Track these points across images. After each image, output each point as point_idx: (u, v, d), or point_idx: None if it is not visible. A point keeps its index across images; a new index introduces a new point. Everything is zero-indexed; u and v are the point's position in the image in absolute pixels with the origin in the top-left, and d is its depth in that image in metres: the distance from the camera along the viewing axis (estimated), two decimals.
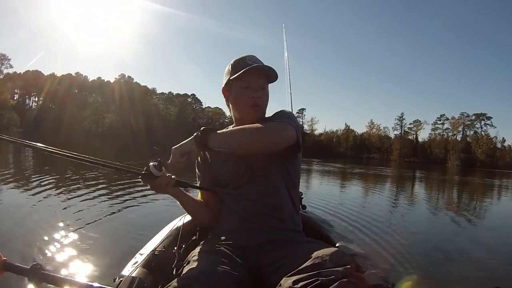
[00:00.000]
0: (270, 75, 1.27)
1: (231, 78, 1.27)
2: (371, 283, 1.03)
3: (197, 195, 1.43)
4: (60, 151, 1.15)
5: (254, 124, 1.14)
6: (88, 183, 7.75)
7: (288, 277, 0.94)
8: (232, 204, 1.27)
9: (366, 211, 5.51)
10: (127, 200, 5.83)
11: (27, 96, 58.55)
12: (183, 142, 1.15)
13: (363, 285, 0.94)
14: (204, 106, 64.57)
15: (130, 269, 1.15)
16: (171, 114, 61.08)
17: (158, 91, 65.21)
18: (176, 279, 0.95)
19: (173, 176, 1.17)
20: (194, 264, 1.05)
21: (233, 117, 1.36)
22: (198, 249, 1.19)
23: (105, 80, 62.29)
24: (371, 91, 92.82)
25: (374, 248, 3.20)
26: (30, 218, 4.33)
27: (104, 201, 5.66)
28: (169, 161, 1.15)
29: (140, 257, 1.26)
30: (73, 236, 3.51)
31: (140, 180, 1.15)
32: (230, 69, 1.29)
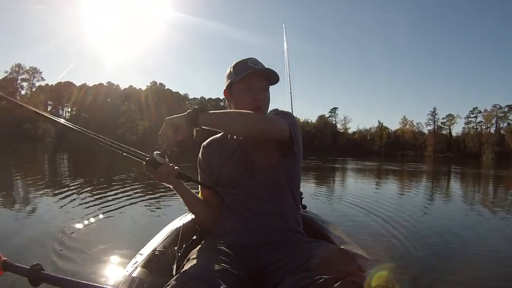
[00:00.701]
0: (272, 77, 1.29)
1: (233, 80, 1.28)
2: (372, 282, 1.03)
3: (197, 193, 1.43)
4: (75, 126, 1.21)
5: (247, 110, 1.16)
6: (87, 184, 7.75)
7: (291, 275, 0.94)
8: (233, 203, 1.27)
9: (390, 209, 5.50)
10: (127, 200, 5.82)
11: (60, 107, 59.63)
12: (176, 115, 1.15)
13: (365, 285, 0.94)
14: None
15: (130, 269, 1.15)
16: None
17: (190, 97, 66.20)
18: (175, 277, 0.95)
19: (176, 167, 1.18)
20: (193, 262, 1.05)
21: None
22: (198, 248, 1.19)
23: (137, 88, 63.27)
24: (403, 86, 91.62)
25: (374, 248, 3.20)
26: (30, 218, 4.33)
27: (104, 202, 5.66)
28: (160, 130, 1.14)
29: (140, 257, 1.26)
30: (73, 236, 3.51)
31: (144, 169, 1.16)
32: (231, 71, 1.30)
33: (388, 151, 57.74)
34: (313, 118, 67.23)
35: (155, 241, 1.45)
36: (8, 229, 3.83)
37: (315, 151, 42.22)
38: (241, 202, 1.25)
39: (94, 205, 5.33)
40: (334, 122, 66.07)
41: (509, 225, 5.02)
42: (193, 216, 1.61)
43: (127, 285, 1.05)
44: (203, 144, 1.40)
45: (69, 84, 59.32)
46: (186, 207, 1.34)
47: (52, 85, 59.23)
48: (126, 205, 5.39)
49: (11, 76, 53.82)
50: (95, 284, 0.90)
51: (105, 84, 62.19)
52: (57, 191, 6.95)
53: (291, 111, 2.68)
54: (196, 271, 0.97)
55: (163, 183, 1.21)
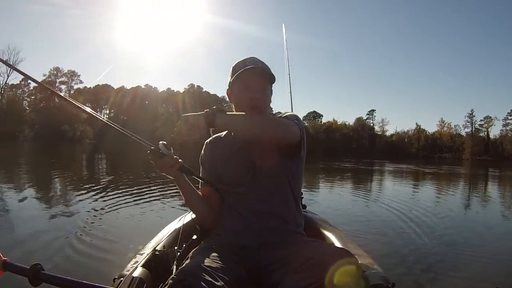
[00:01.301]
0: (270, 76, 1.29)
1: (230, 80, 1.29)
2: (372, 282, 1.03)
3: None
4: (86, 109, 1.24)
5: (264, 115, 1.18)
6: (87, 185, 7.73)
7: (291, 275, 0.94)
8: (234, 202, 1.26)
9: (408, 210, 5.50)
10: (127, 200, 5.82)
11: (98, 109, 59.65)
12: (194, 113, 1.15)
13: (365, 284, 0.94)
14: (274, 112, 63.55)
15: (130, 269, 1.15)
16: None
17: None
18: (173, 274, 0.95)
19: (180, 160, 1.18)
20: (192, 261, 1.05)
21: None
22: (198, 248, 1.19)
23: (175, 91, 63.29)
24: (440, 88, 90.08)
25: (374, 248, 3.20)
26: (30, 218, 4.33)
27: (104, 202, 5.65)
28: (176, 127, 1.14)
29: (140, 256, 1.26)
30: (73, 236, 3.51)
31: (148, 157, 1.16)
32: (231, 71, 1.31)
33: (425, 154, 56.26)
34: (350, 120, 65.89)
35: (155, 240, 1.45)
36: (8, 229, 3.83)
37: (353, 153, 41.68)
38: (243, 202, 1.25)
39: (94, 206, 5.33)
40: (371, 124, 64.59)
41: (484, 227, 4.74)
42: (193, 216, 1.61)
43: (127, 285, 1.05)
44: (206, 142, 1.40)
45: (107, 87, 59.84)
46: (186, 204, 1.33)
47: (90, 87, 59.74)
48: (126, 205, 5.38)
49: (49, 79, 54.33)
50: (95, 284, 0.90)
51: (143, 86, 62.69)
52: (57, 193, 6.95)
53: (291, 111, 2.67)
54: (195, 269, 0.97)
55: (163, 174, 1.20)
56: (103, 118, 1.24)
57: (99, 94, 58.20)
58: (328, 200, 6.74)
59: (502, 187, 12.54)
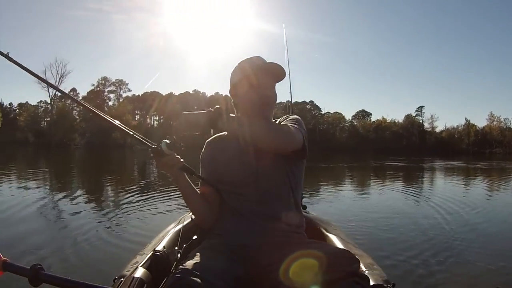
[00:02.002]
0: (277, 74, 1.29)
1: (236, 79, 1.29)
2: (372, 282, 1.03)
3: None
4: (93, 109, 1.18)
5: (269, 121, 1.17)
6: (88, 185, 7.75)
7: (295, 274, 0.93)
8: (235, 203, 1.26)
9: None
10: (127, 201, 5.83)
11: (147, 116, 60.59)
12: (196, 111, 1.14)
13: (367, 285, 0.93)
14: (323, 112, 62.01)
15: (131, 269, 1.14)
16: None
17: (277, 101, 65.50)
18: (173, 273, 0.95)
19: (181, 160, 1.17)
20: (192, 260, 1.05)
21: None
22: (198, 248, 1.19)
23: (223, 95, 62.50)
24: (488, 81, 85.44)
25: (375, 248, 3.20)
26: (30, 218, 4.33)
27: (104, 202, 5.66)
28: (175, 122, 1.15)
29: (140, 257, 1.26)
30: (73, 236, 3.52)
31: (150, 155, 1.15)
32: (237, 69, 1.31)
33: (476, 150, 53.50)
34: (399, 117, 63.67)
35: (155, 241, 1.44)
36: (8, 229, 3.84)
37: (403, 151, 40.64)
38: (244, 203, 1.24)
39: (94, 206, 5.34)
40: (421, 121, 62.24)
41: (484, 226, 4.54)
42: (193, 217, 1.61)
43: (127, 285, 1.05)
44: (207, 141, 1.40)
45: (155, 94, 60.47)
46: (185, 204, 1.32)
47: (138, 95, 60.33)
48: (126, 206, 5.39)
49: (98, 89, 56.07)
50: (95, 284, 0.90)
51: (191, 92, 62.99)
52: (57, 193, 6.96)
53: (291, 111, 2.66)
54: (195, 269, 0.97)
55: (164, 172, 1.19)
56: (106, 116, 1.19)
57: (147, 101, 58.75)
58: (339, 202, 6.71)
59: None
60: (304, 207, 1.86)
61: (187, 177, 1.25)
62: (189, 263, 1.02)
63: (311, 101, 62.61)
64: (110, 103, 57.70)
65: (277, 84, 1.33)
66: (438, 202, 6.18)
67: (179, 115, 1.18)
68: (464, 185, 10.41)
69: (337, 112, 62.83)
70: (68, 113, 50.94)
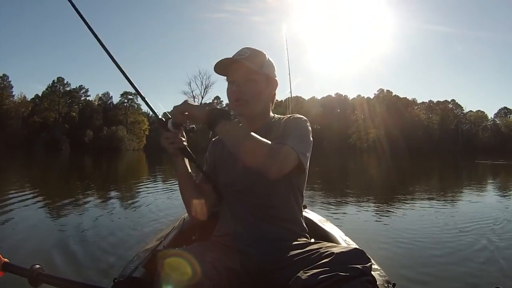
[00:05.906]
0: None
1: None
2: (375, 282, 1.03)
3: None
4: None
5: (264, 140, 1.06)
6: (88, 185, 7.75)
7: (305, 271, 0.91)
8: (235, 204, 1.25)
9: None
10: (127, 201, 5.83)
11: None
12: (198, 105, 1.13)
13: (373, 285, 0.93)
14: (465, 111, 60.01)
15: (130, 269, 1.14)
16: (433, 123, 58.16)
17: (419, 101, 62.35)
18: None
19: (184, 142, 1.16)
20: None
21: None
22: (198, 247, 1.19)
23: (365, 97, 62.93)
24: None
25: (374, 248, 3.19)
26: (30, 219, 4.33)
27: (104, 202, 5.66)
28: (177, 106, 1.12)
29: (140, 257, 1.26)
30: (73, 236, 3.51)
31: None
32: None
33: None
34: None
35: (155, 241, 1.45)
36: (8, 230, 3.84)
37: None
38: (245, 205, 1.22)
39: (94, 206, 5.34)
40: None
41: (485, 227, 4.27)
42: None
43: (127, 285, 1.05)
44: (213, 140, 1.39)
45: (298, 98, 60.49)
46: (178, 189, 1.27)
47: (281, 100, 61.77)
48: (126, 206, 5.39)
49: None
50: (94, 285, 0.90)
51: (333, 95, 63.99)
52: (57, 193, 6.95)
53: (290, 110, 2.62)
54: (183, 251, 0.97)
55: (164, 146, 1.17)
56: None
57: (295, 107, 59.57)
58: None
59: None
60: (305, 207, 1.86)
61: (186, 162, 1.22)
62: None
63: (453, 100, 60.56)
64: None
65: (280, 83, 1.29)
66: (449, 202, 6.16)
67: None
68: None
69: (479, 111, 60.28)
70: None
